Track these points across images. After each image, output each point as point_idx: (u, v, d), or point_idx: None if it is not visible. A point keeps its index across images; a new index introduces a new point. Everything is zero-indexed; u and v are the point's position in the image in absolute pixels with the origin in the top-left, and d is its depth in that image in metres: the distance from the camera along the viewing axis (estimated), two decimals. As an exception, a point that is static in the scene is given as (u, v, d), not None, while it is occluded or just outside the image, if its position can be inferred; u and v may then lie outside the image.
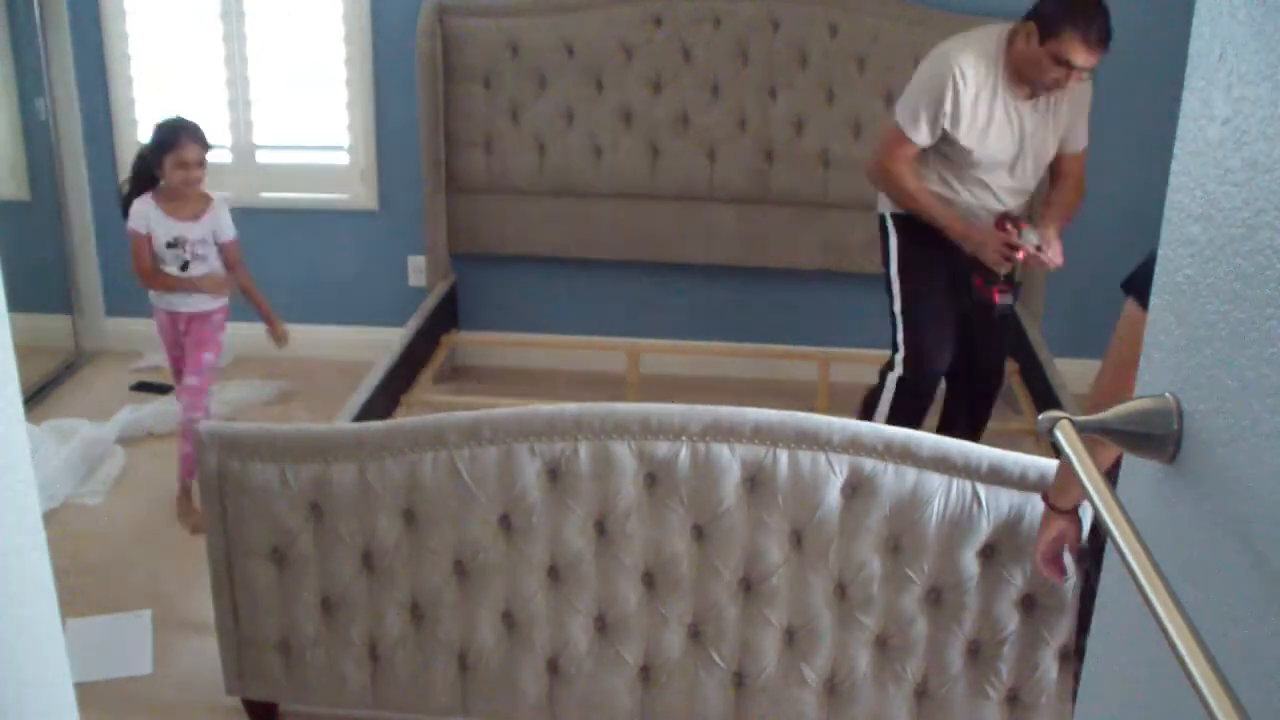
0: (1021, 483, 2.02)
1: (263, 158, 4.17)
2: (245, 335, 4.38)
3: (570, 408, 2.08)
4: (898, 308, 3.06)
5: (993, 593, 2.07)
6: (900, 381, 3.05)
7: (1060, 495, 1.92)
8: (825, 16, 3.76)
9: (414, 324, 3.73)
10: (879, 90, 3.81)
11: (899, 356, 3.05)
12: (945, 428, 3.25)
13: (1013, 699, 2.14)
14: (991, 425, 3.71)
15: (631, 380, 3.98)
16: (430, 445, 2.10)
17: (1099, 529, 2.76)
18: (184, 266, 3.11)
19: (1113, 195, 3.94)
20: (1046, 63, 2.69)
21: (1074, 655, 2.09)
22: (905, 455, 2.02)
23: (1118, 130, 3.88)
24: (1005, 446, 2.09)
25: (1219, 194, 0.83)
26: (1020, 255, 2.85)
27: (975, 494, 2.02)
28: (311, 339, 4.37)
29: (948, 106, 2.79)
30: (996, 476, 2.02)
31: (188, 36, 4.04)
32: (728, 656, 2.16)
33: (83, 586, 2.89)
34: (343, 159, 4.15)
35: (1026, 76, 2.78)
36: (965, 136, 2.82)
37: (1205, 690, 0.66)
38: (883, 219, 3.10)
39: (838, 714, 2.18)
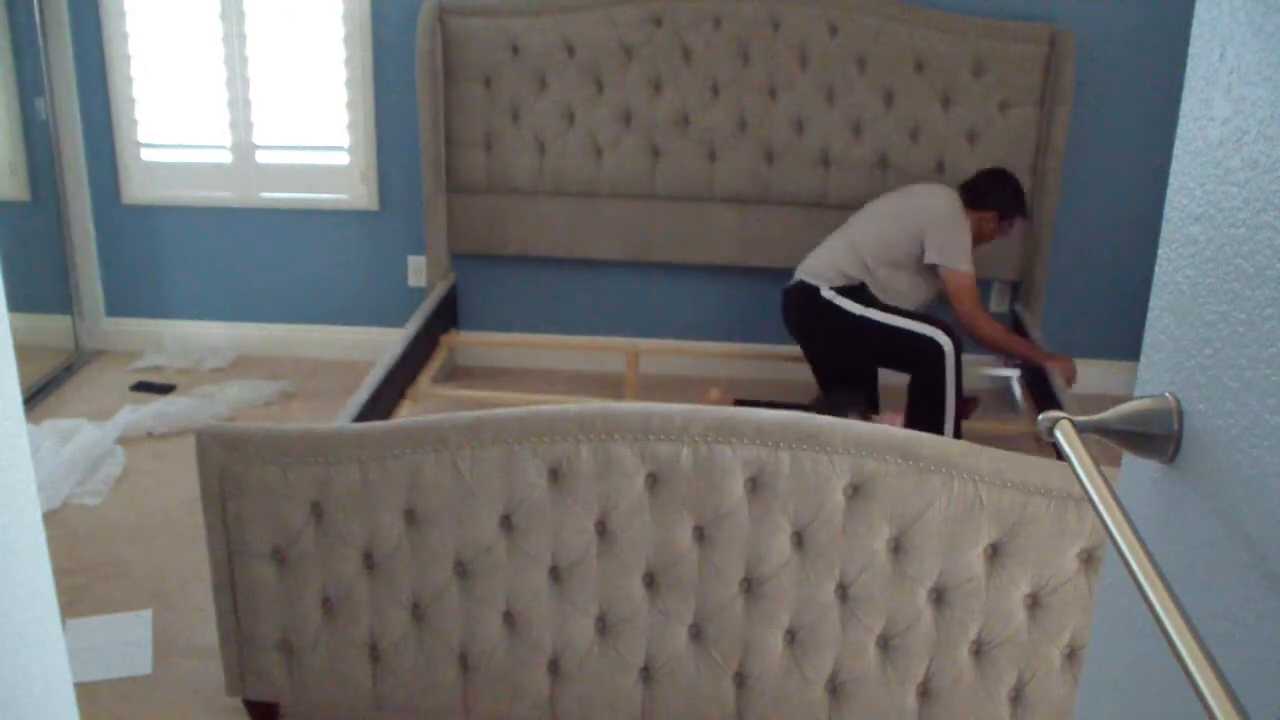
0: (1023, 483, 2.02)
1: (263, 158, 4.17)
2: (245, 335, 4.39)
3: (572, 408, 2.08)
4: (890, 323, 3.43)
5: (995, 592, 2.07)
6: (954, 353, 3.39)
7: None
8: (825, 16, 3.76)
9: (414, 324, 3.73)
10: (879, 90, 3.81)
11: (939, 338, 3.36)
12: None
13: (1016, 698, 2.14)
14: (992, 426, 3.72)
15: (631, 380, 3.98)
16: (432, 446, 2.10)
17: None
18: None
19: (1112, 197, 3.94)
20: (1000, 231, 3.56)
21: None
22: (907, 456, 2.02)
23: (1119, 132, 3.88)
24: (1006, 447, 2.09)
25: (1219, 194, 0.83)
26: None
27: (977, 494, 2.02)
28: (311, 339, 4.38)
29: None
30: (998, 477, 2.02)
31: (187, 37, 4.04)
32: (730, 657, 2.16)
33: (83, 586, 2.89)
34: (343, 159, 4.16)
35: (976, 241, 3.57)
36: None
37: (1205, 690, 0.66)
38: (823, 298, 3.52)
39: (840, 714, 2.18)
